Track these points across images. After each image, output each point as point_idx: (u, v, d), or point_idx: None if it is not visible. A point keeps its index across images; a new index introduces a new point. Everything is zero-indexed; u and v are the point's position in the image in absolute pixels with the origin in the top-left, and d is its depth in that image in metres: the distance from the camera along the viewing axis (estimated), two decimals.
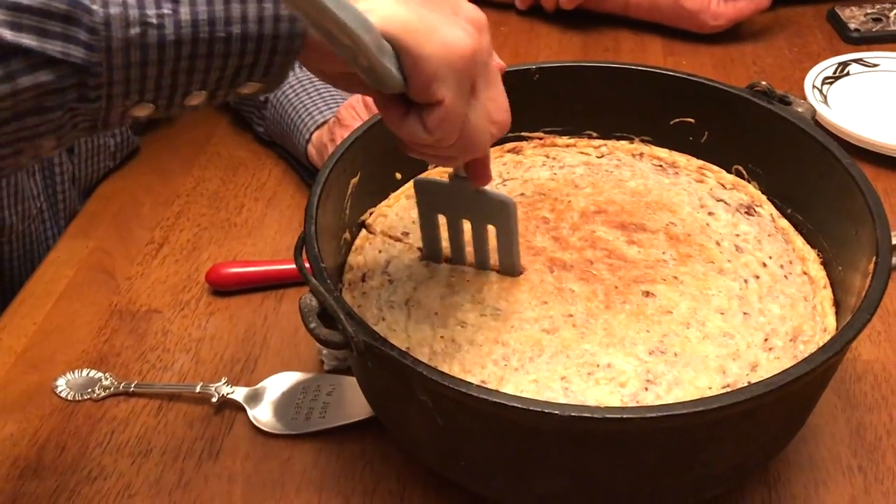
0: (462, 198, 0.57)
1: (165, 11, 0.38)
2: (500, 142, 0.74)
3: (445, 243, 0.62)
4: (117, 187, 0.89)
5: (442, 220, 0.61)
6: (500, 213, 0.58)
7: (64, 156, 0.84)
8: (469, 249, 0.62)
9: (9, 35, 0.35)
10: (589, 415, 0.44)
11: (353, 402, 0.64)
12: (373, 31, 0.41)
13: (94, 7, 0.37)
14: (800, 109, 0.65)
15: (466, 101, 0.46)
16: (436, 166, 0.68)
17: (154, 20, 0.38)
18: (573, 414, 0.44)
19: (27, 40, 0.36)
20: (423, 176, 0.61)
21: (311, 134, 0.83)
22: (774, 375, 0.46)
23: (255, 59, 0.41)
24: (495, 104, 0.48)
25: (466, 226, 0.60)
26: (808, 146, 0.62)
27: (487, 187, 0.57)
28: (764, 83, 0.66)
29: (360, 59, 0.42)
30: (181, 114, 0.43)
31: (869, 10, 1.10)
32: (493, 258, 0.61)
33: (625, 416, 0.44)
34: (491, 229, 0.60)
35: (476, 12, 0.47)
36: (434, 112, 0.44)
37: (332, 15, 0.39)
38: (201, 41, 0.39)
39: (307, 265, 0.53)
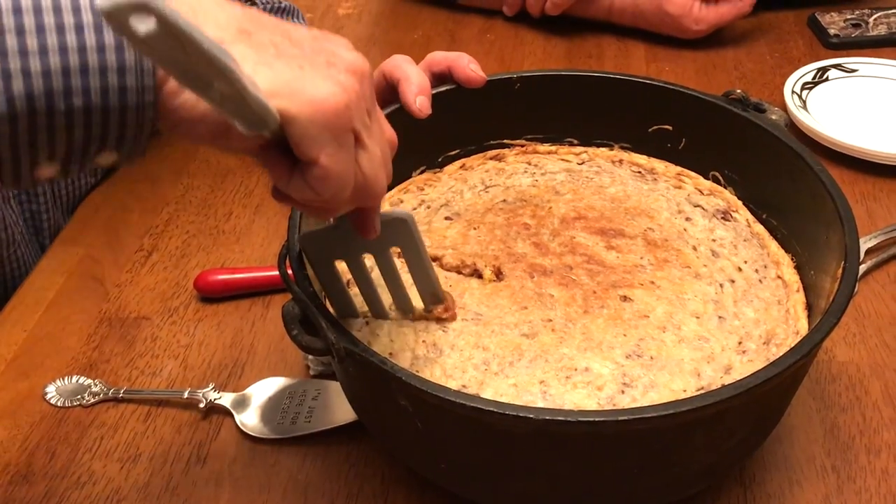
0: (355, 236, 0.52)
1: None
2: (483, 149, 0.75)
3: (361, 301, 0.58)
4: (107, 195, 0.90)
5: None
6: (400, 231, 0.54)
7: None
8: (387, 295, 0.58)
9: None
10: (562, 418, 0.45)
11: (338, 407, 0.65)
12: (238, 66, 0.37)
13: None
14: (774, 117, 0.66)
15: (349, 154, 0.43)
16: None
17: None
18: (547, 417, 0.45)
19: None
20: (304, 231, 0.56)
21: None
22: (743, 378, 0.47)
23: (103, 132, 0.39)
24: (385, 137, 0.47)
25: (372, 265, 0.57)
26: (782, 153, 0.64)
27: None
28: (739, 91, 0.67)
29: (233, 98, 0.38)
30: (34, 185, 0.40)
31: (848, 16, 1.11)
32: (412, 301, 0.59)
33: (597, 419, 0.45)
34: (397, 255, 0.56)
35: (357, 59, 0.44)
36: (313, 171, 0.42)
37: (199, 46, 0.34)
38: (39, 114, 0.37)
39: (290, 273, 0.54)
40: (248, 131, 0.39)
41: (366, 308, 0.59)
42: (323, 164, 0.42)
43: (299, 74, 0.41)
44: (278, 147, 0.42)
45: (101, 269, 0.81)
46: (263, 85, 0.39)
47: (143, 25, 0.32)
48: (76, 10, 0.37)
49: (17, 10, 0.36)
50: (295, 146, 0.42)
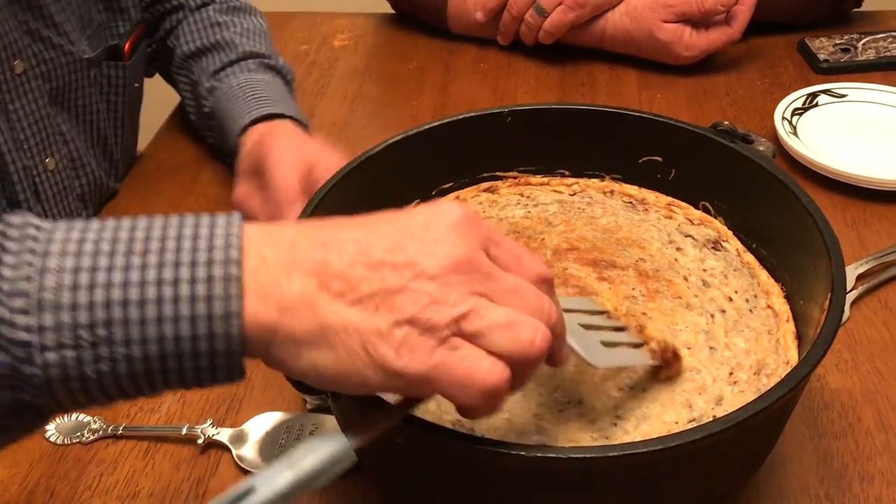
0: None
1: (120, 351, 0.39)
2: (476, 181, 0.76)
3: None
4: None
5: None
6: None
7: (33, 199, 0.85)
8: None
9: None
10: (554, 455, 0.46)
11: None
12: None
13: (34, 370, 0.38)
14: (761, 148, 0.67)
15: (502, 377, 0.42)
16: None
17: (105, 366, 0.39)
18: (538, 455, 0.46)
19: None
20: None
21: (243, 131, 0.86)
22: (733, 412, 0.48)
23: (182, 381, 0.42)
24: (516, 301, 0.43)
25: None
26: (770, 183, 0.65)
27: None
28: (727, 123, 0.68)
29: None
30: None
31: (838, 41, 1.12)
32: None
33: (588, 455, 0.46)
34: None
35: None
36: (470, 413, 0.44)
37: None
38: (140, 375, 0.40)
39: None
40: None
41: None
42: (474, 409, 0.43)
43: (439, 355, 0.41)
44: None
45: None
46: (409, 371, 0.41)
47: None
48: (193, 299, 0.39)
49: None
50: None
